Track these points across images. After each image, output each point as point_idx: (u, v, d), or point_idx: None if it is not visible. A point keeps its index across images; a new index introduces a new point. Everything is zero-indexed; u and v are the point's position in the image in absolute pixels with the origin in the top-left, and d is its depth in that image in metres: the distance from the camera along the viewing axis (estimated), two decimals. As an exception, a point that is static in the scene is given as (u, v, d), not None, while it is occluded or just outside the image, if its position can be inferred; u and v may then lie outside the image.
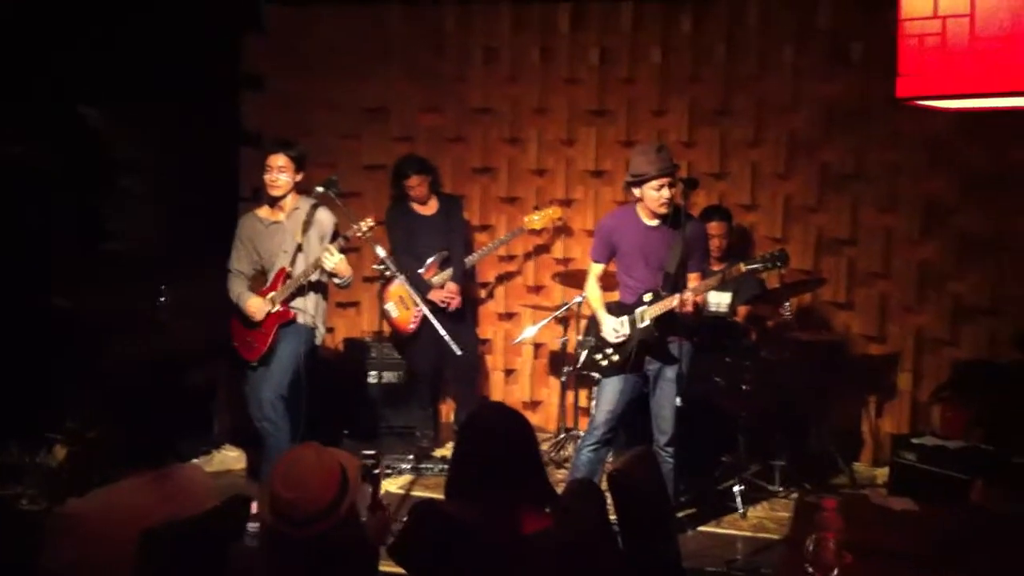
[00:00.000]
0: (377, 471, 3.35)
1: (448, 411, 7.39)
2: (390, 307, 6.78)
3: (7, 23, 6.25)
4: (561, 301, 6.72)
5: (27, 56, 6.33)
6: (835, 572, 2.98)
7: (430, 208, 6.82)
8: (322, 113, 7.48)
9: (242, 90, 7.59)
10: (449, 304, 6.62)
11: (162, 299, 6.44)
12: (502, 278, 7.45)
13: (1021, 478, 5.29)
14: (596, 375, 5.88)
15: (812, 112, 6.82)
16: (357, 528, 3.00)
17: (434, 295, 6.54)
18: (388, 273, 5.96)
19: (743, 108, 6.94)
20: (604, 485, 3.76)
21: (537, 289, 7.40)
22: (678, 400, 5.20)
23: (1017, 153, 6.41)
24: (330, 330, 6.95)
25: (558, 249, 7.31)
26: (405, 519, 2.97)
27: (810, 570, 2.99)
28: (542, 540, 2.93)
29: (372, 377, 7.05)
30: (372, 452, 3.37)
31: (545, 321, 6.74)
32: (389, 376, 7.02)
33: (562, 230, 7.24)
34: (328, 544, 2.81)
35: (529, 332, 6.93)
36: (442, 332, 5.58)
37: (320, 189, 5.56)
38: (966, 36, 2.69)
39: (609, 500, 3.49)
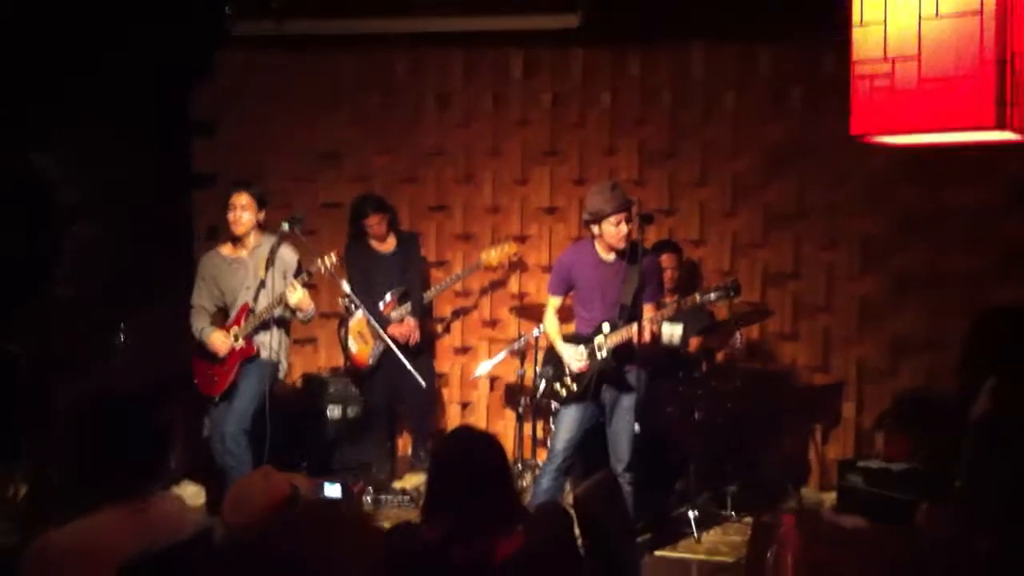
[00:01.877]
0: (356, 489, 3.44)
1: (404, 445, 7.47)
2: (350, 341, 6.89)
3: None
4: (517, 335, 6.87)
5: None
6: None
7: (388, 246, 6.96)
8: (275, 156, 7.59)
9: (194, 134, 7.68)
10: (408, 339, 6.74)
11: (122, 338, 6.46)
12: (458, 313, 7.59)
13: (961, 501, 5.52)
14: (553, 405, 6.05)
15: (754, 155, 7.09)
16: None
17: (393, 330, 6.66)
18: (349, 308, 6.05)
19: (689, 150, 7.19)
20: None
21: (493, 323, 7.54)
22: (636, 427, 5.39)
23: (950, 193, 6.71)
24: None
25: (513, 284, 7.46)
26: None
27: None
28: (515, 560, 3.04)
29: (331, 411, 7.12)
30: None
31: (502, 354, 6.87)
32: (347, 410, 7.10)
33: (517, 265, 7.40)
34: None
35: (487, 365, 7.04)
36: (408, 365, 5.72)
37: (285, 226, 5.68)
38: (914, 77, 2.92)
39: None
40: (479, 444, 3.24)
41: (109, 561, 2.86)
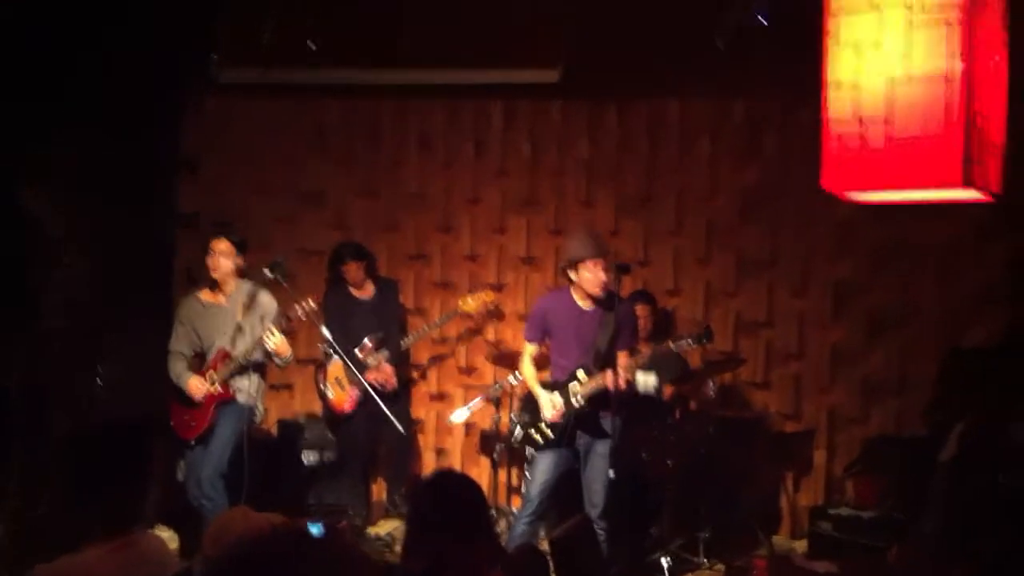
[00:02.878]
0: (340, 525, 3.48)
1: (379, 490, 7.48)
2: (326, 387, 6.91)
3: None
4: (493, 382, 6.92)
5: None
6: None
7: (366, 292, 7.02)
8: (257, 198, 7.64)
9: (179, 173, 7.73)
10: (385, 385, 6.78)
11: (98, 378, 6.45)
12: (435, 360, 7.62)
13: (931, 542, 5.62)
14: (528, 453, 6.10)
15: (728, 199, 7.24)
16: None
17: (370, 376, 6.69)
18: (328, 353, 6.07)
19: (664, 197, 7.32)
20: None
21: (470, 371, 7.58)
22: (611, 473, 5.44)
23: (916, 234, 6.86)
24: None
25: (490, 332, 7.52)
26: None
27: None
28: None
29: (306, 456, 7.12)
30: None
31: (478, 400, 6.91)
32: (323, 455, 7.10)
33: (494, 313, 7.46)
34: None
35: (462, 412, 7.04)
36: (387, 412, 5.76)
37: (267, 271, 5.73)
38: (883, 137, 3.04)
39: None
40: (458, 485, 3.29)
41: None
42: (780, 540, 7.00)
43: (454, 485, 3.30)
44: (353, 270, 6.92)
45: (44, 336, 6.75)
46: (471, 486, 3.29)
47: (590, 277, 5.48)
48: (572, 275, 5.56)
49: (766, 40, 6.01)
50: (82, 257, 7.11)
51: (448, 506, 3.16)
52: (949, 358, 6.53)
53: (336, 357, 6.35)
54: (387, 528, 6.94)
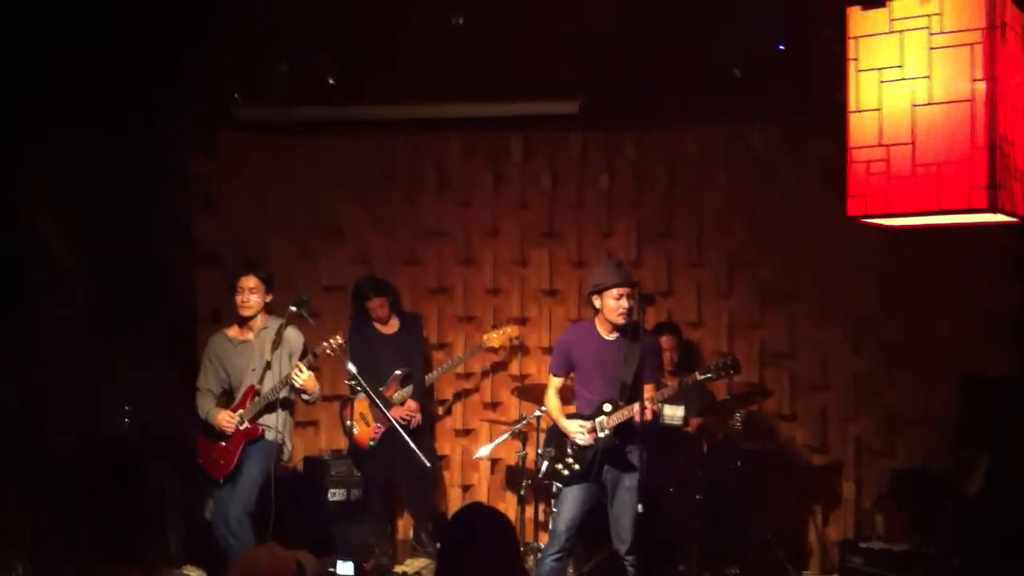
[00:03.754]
0: (367, 566, 3.48)
1: (405, 527, 7.46)
2: (351, 424, 6.90)
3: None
4: (518, 416, 6.91)
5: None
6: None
7: (391, 327, 7.03)
8: (276, 236, 7.68)
9: (196, 213, 7.79)
10: (410, 421, 6.77)
11: (127, 419, 6.48)
12: (460, 395, 7.62)
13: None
14: (554, 488, 6.06)
15: (747, 230, 7.23)
16: None
17: (395, 412, 6.68)
18: (354, 389, 6.06)
19: (685, 229, 7.33)
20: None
21: (494, 405, 7.57)
22: (639, 507, 5.40)
23: (931, 264, 6.82)
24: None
25: (514, 366, 7.51)
26: None
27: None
28: None
29: (332, 494, 7.11)
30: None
31: (504, 436, 6.88)
32: (350, 493, 7.08)
33: (518, 348, 7.46)
34: None
35: (487, 448, 7.06)
36: (412, 446, 5.75)
37: (293, 308, 5.75)
38: (908, 162, 3.04)
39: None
40: (489, 519, 3.29)
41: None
42: (810, 575, 6.94)
43: (485, 519, 3.30)
44: (377, 306, 6.94)
45: (42, 365, 6.79)
46: (501, 520, 3.29)
47: (613, 305, 5.47)
48: (596, 303, 5.55)
49: (782, 66, 6.03)
50: (92, 294, 7.17)
51: (479, 540, 3.16)
52: (971, 389, 6.49)
53: (362, 393, 6.35)
54: (414, 567, 6.91)
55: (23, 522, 5.90)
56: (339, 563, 4.60)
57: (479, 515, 3.35)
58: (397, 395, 6.86)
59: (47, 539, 5.93)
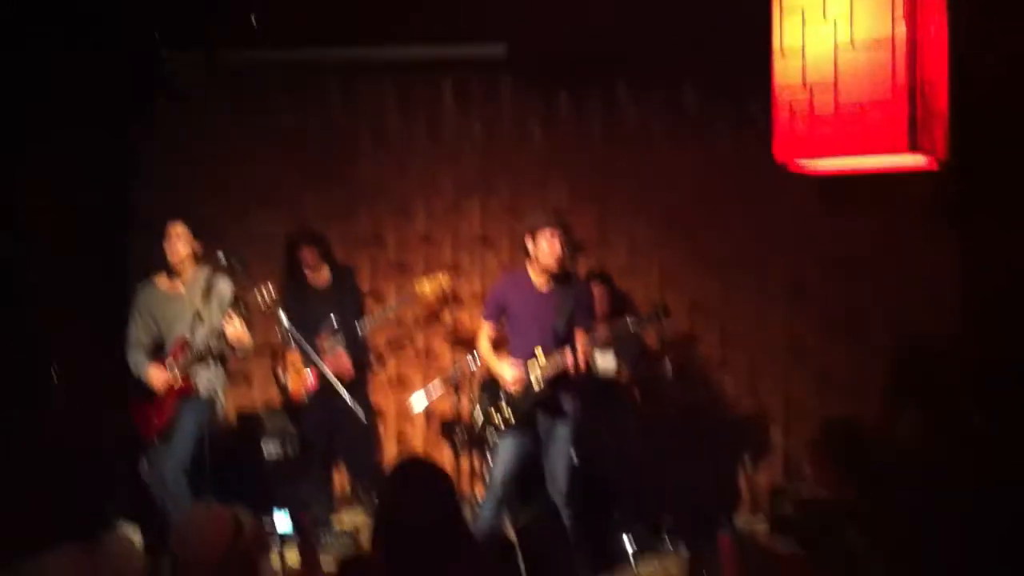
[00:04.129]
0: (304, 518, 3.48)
1: (343, 481, 7.44)
2: (285, 377, 6.85)
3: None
4: (452, 364, 6.91)
5: None
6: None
7: (323, 279, 6.97)
8: (209, 193, 7.52)
9: (128, 172, 7.65)
10: (343, 375, 6.73)
11: (55, 378, 6.35)
12: (393, 345, 7.61)
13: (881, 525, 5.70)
14: (489, 438, 6.08)
15: (684, 186, 7.25)
16: None
17: (327, 364, 6.65)
18: (286, 340, 6.00)
19: (622, 184, 7.34)
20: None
21: (428, 355, 7.57)
22: (573, 457, 5.45)
23: (866, 222, 6.93)
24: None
25: (447, 314, 7.49)
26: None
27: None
28: None
29: (267, 449, 7.07)
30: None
31: (436, 382, 6.88)
32: (285, 447, 7.04)
33: (450, 296, 7.43)
34: None
35: (422, 397, 7.04)
36: (346, 396, 5.73)
37: (222, 256, 5.68)
38: (831, 103, 3.07)
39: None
40: (427, 473, 3.27)
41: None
42: (741, 521, 7.06)
43: (422, 474, 3.27)
44: (308, 254, 6.87)
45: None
46: (439, 472, 3.24)
47: (546, 248, 5.47)
48: (529, 246, 5.55)
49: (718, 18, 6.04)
50: (32, 256, 7.04)
51: (416, 494, 3.12)
52: (904, 348, 6.62)
53: (294, 345, 6.29)
54: (352, 520, 6.91)
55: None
56: (275, 514, 4.56)
57: (417, 471, 3.32)
58: (327, 344, 6.80)
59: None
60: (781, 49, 3.14)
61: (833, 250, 7.07)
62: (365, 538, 6.43)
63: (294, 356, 6.76)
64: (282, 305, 6.67)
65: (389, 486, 3.23)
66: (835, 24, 3.03)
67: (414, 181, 7.56)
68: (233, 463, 6.76)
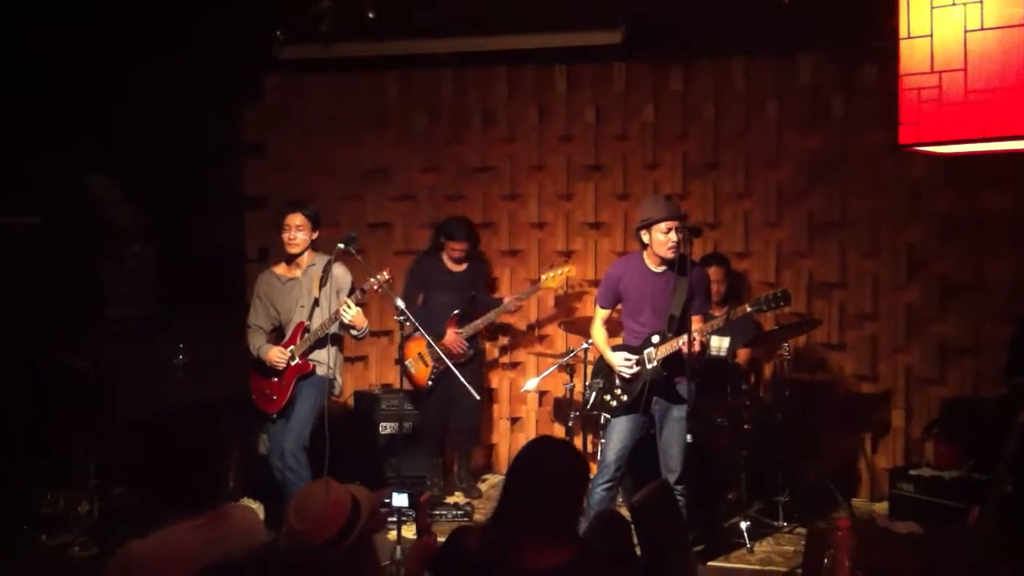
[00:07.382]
0: (423, 498, 3.54)
1: (454, 462, 7.55)
2: (409, 363, 6.94)
3: (9, 90, 6.51)
4: (565, 349, 6.93)
5: (31, 127, 6.55)
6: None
7: (460, 266, 7.06)
8: (322, 176, 7.73)
9: (244, 157, 7.86)
10: (456, 352, 6.82)
11: (180, 358, 6.58)
12: (507, 329, 7.67)
13: (1009, 506, 5.55)
14: (602, 420, 6.11)
15: (796, 164, 7.14)
16: (370, 557, 3.09)
17: (444, 344, 6.75)
18: (403, 324, 6.08)
19: (731, 162, 7.24)
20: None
21: (541, 339, 7.62)
22: (689, 437, 5.44)
23: (990, 198, 6.74)
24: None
25: (561, 299, 7.54)
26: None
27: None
28: (573, 565, 3.06)
29: (383, 427, 7.22)
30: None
31: (552, 368, 6.93)
32: (401, 426, 7.17)
33: (571, 284, 7.46)
34: (340, 572, 2.92)
35: (535, 380, 7.09)
36: (463, 382, 5.86)
37: (341, 245, 5.79)
38: (961, 88, 2.99)
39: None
40: (561, 444, 3.32)
41: (187, 569, 2.98)
42: (860, 503, 6.97)
43: (557, 443, 3.31)
44: (459, 249, 6.96)
45: (111, 322, 6.96)
46: (569, 456, 3.22)
47: (662, 239, 5.46)
48: (644, 238, 5.55)
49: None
50: (148, 244, 7.31)
51: (538, 475, 3.13)
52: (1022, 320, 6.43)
53: (415, 332, 6.38)
54: (464, 498, 7.00)
55: (88, 468, 6.15)
56: (395, 495, 4.66)
57: (551, 440, 3.36)
58: (450, 330, 6.90)
59: (111, 483, 6.21)
60: (908, 33, 3.07)
61: (949, 222, 6.87)
62: (478, 515, 6.53)
63: (419, 343, 6.85)
64: (411, 281, 6.94)
65: (525, 450, 3.24)
66: (964, 9, 2.96)
67: (526, 166, 7.58)
68: (351, 441, 6.93)
